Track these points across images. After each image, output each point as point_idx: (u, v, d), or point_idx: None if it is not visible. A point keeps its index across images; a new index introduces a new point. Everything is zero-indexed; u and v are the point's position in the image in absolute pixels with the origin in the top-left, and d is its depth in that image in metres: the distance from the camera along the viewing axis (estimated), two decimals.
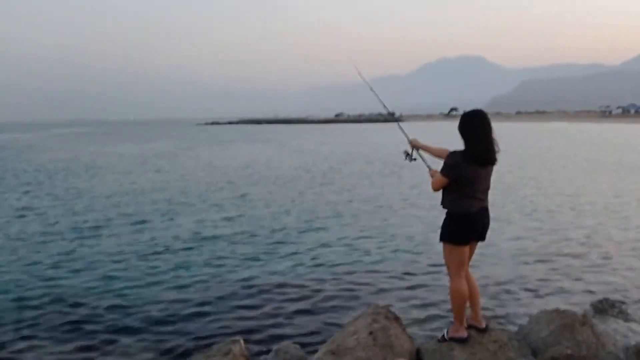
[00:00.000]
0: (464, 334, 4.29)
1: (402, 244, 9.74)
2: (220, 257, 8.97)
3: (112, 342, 5.65)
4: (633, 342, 4.91)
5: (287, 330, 5.87)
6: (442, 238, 4.25)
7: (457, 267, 4.22)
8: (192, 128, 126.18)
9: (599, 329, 4.77)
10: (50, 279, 7.80)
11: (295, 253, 9.23)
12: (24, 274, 8.00)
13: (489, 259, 8.44)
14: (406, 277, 7.77)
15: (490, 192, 4.30)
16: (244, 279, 7.73)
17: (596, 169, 23.11)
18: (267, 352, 5.00)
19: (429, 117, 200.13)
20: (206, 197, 16.01)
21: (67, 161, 30.82)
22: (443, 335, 4.36)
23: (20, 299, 6.94)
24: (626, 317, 5.97)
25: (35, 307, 6.64)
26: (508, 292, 7.06)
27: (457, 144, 4.20)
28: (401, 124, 5.34)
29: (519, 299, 6.79)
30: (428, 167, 4.54)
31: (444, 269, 4.51)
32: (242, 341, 4.70)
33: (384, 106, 5.74)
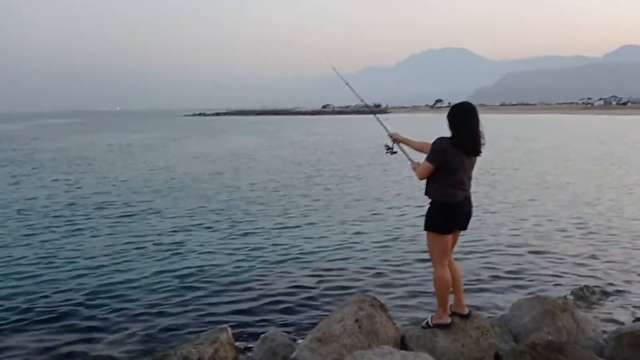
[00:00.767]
0: (447, 320, 4.37)
1: (387, 234, 9.82)
2: (207, 247, 8.98)
3: (99, 331, 5.66)
4: (612, 328, 5.04)
5: (274, 318, 5.93)
6: (427, 227, 4.31)
7: (440, 256, 4.29)
8: (179, 119, 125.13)
9: (579, 315, 4.88)
10: (37, 272, 7.75)
11: (282, 243, 9.26)
12: (8, 268, 7.93)
13: (471, 248, 8.55)
14: (391, 265, 7.85)
15: (473, 182, 4.37)
16: (231, 269, 7.76)
17: (577, 158, 23.41)
18: (255, 339, 5.04)
19: (415, 108, 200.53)
20: (193, 188, 15.96)
21: (53, 152, 30.44)
22: (427, 322, 4.43)
23: (4, 293, 6.89)
24: (606, 304, 6.12)
25: (24, 300, 6.61)
26: (490, 279, 7.18)
27: (442, 134, 4.26)
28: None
29: (501, 287, 6.91)
30: (410, 159, 4.58)
31: (428, 257, 4.58)
32: (229, 329, 4.73)
33: (361, 100, 5.79)
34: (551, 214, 11.55)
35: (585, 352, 4.01)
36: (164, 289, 6.92)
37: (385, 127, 4.96)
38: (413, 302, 6.37)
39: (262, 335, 4.91)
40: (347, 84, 5.59)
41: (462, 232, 4.48)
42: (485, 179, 16.52)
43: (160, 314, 6.09)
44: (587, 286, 6.46)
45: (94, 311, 6.22)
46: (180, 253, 8.65)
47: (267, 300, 6.50)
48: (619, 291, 6.67)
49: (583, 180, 16.80)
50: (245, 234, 9.87)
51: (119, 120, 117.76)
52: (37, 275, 7.52)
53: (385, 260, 8.12)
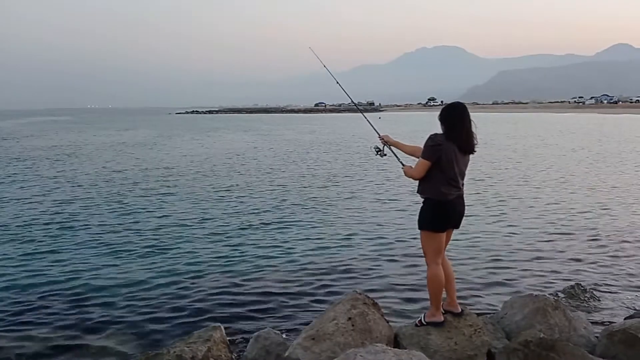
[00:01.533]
0: (440, 318, 4.38)
1: (381, 232, 9.83)
2: (199, 246, 8.95)
3: (91, 330, 5.63)
4: (604, 326, 5.08)
5: (268, 317, 5.92)
6: (421, 226, 4.31)
7: (434, 254, 4.30)
8: (171, 117, 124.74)
9: (571, 313, 4.92)
10: (29, 271, 7.69)
11: (275, 242, 9.25)
12: (2, 266, 7.88)
13: (465, 246, 8.59)
14: (384, 264, 7.87)
15: (466, 180, 4.39)
16: (224, 267, 7.74)
17: (568, 157, 23.55)
18: (248, 338, 5.03)
19: (408, 106, 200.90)
20: (185, 187, 15.90)
21: (46, 149, 30.21)
22: (420, 320, 4.44)
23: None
24: (597, 302, 6.16)
25: (18, 298, 6.57)
26: (483, 277, 7.21)
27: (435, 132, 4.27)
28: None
29: (493, 285, 6.94)
30: (401, 162, 4.56)
31: (421, 255, 4.59)
32: (222, 327, 4.72)
33: (351, 100, 5.77)
34: (543, 212, 11.61)
35: (577, 349, 4.04)
36: (157, 288, 6.89)
37: (375, 129, 4.95)
38: (406, 300, 6.38)
39: (255, 334, 4.90)
40: (337, 83, 5.57)
41: (454, 231, 4.49)
42: (478, 177, 16.58)
43: (154, 313, 6.07)
44: (578, 284, 6.49)
45: (87, 310, 6.18)
46: (173, 252, 8.61)
47: (261, 298, 6.49)
48: (610, 289, 6.72)
49: (575, 179, 16.90)
50: (239, 233, 9.85)
51: (110, 118, 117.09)
52: (30, 274, 7.46)
53: (378, 259, 8.13)
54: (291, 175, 18.27)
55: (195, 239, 9.43)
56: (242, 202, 13.14)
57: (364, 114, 5.37)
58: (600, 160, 22.29)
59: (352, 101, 5.81)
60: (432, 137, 4.17)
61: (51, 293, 6.73)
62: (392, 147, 4.78)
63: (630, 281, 7.02)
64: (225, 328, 4.82)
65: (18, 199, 13.58)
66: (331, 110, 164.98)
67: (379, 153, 4.78)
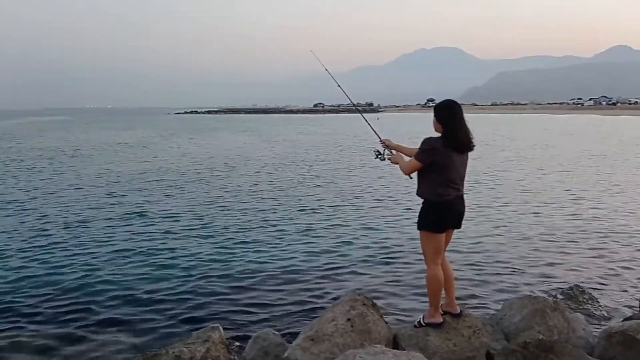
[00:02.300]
0: (439, 319, 4.38)
1: (380, 233, 9.83)
2: (198, 247, 8.94)
3: (90, 330, 5.62)
4: (602, 327, 5.08)
5: (266, 318, 5.91)
6: (420, 227, 4.32)
7: (433, 255, 4.30)
8: (170, 117, 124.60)
9: (570, 314, 4.92)
10: (28, 270, 7.68)
11: (274, 242, 9.24)
12: (3, 267, 7.87)
13: (464, 247, 8.58)
14: (383, 265, 7.86)
15: (466, 181, 4.39)
16: (223, 267, 7.73)
17: (569, 157, 23.56)
18: (246, 339, 5.02)
19: (407, 107, 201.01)
20: (185, 187, 15.89)
21: (45, 150, 30.15)
22: (419, 321, 4.45)
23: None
24: (596, 303, 6.16)
25: (15, 298, 6.55)
26: (482, 278, 7.20)
27: (434, 134, 4.28)
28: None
29: (492, 286, 6.93)
30: (393, 152, 4.55)
31: (420, 256, 4.59)
32: (221, 328, 4.72)
33: (352, 102, 5.77)
34: (542, 213, 11.61)
35: (575, 350, 4.04)
36: (156, 288, 6.87)
37: (376, 133, 4.94)
38: (405, 301, 6.38)
39: (254, 335, 4.90)
40: (339, 86, 5.55)
41: (455, 231, 4.49)
42: (477, 178, 16.59)
43: (152, 313, 6.06)
44: (577, 285, 6.49)
45: (84, 310, 6.16)
46: (171, 252, 8.60)
47: (259, 299, 6.49)
48: (608, 291, 6.72)
49: (575, 180, 16.91)
50: (237, 234, 9.83)
51: (109, 118, 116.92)
52: (29, 274, 7.45)
53: (377, 259, 8.12)
54: (290, 176, 18.27)
55: (195, 239, 9.42)
56: (240, 202, 13.13)
57: (365, 117, 5.35)
58: (600, 161, 22.30)
59: (352, 104, 5.80)
60: (427, 141, 4.19)
61: (48, 293, 6.71)
62: (392, 151, 4.79)
63: (629, 283, 7.02)
64: (224, 329, 4.81)
65: (16, 199, 13.56)
66: (330, 111, 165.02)
67: (378, 157, 4.79)
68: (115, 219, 11.04)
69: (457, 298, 4.73)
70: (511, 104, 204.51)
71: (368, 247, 8.86)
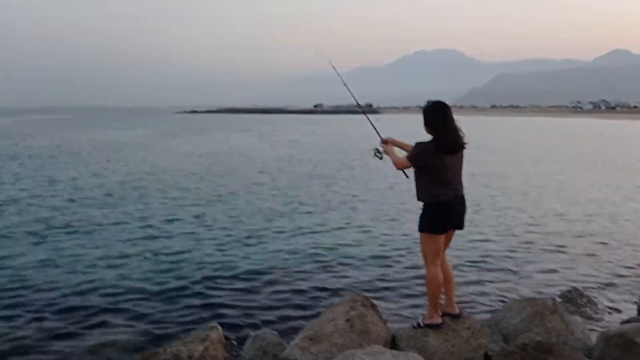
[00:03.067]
0: (438, 320, 4.38)
1: (380, 234, 9.83)
2: (197, 245, 8.94)
3: (88, 329, 5.62)
4: (600, 330, 5.09)
5: (265, 317, 5.91)
6: (421, 229, 4.32)
7: (433, 256, 4.31)
8: (170, 116, 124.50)
9: (569, 317, 4.93)
10: (26, 269, 7.67)
11: (274, 242, 9.25)
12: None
13: (463, 248, 8.59)
14: (382, 265, 7.87)
15: (467, 182, 4.39)
16: (222, 267, 7.73)
17: (567, 161, 23.59)
18: (245, 338, 5.03)
19: (406, 109, 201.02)
20: (184, 185, 15.90)
21: (45, 148, 30.12)
22: (418, 322, 4.45)
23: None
24: (594, 306, 6.17)
25: (12, 297, 6.56)
26: (481, 280, 7.21)
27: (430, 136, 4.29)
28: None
29: (491, 288, 6.94)
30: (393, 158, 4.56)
31: (420, 257, 4.59)
32: (219, 327, 4.72)
33: (357, 102, 5.75)
34: (541, 216, 11.63)
35: (574, 353, 4.05)
36: (154, 287, 6.87)
37: (377, 132, 4.94)
38: (404, 302, 6.39)
39: (252, 334, 4.90)
40: (344, 84, 5.53)
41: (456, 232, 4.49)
42: (477, 180, 16.58)
43: (151, 312, 6.05)
44: (576, 288, 6.50)
45: (83, 308, 6.16)
46: (170, 251, 8.59)
47: (258, 299, 6.49)
48: (607, 293, 6.73)
49: (574, 183, 16.93)
50: (236, 233, 9.84)
51: (109, 117, 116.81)
52: (27, 273, 7.44)
53: (376, 260, 8.13)
54: (289, 177, 18.26)
55: (193, 239, 9.40)
56: (239, 203, 13.13)
57: (368, 116, 5.34)
58: (600, 166, 22.33)
59: (358, 104, 5.78)
60: (418, 145, 4.23)
61: (47, 291, 6.70)
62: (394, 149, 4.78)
63: (627, 286, 7.03)
64: (222, 328, 4.81)
65: (17, 197, 13.55)
66: (329, 112, 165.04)
67: (377, 155, 4.80)
68: (113, 220, 11.01)
69: (456, 299, 4.73)
70: (511, 106, 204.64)
71: (368, 248, 8.86)
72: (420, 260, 4.99)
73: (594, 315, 5.94)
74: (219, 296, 6.58)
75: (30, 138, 39.74)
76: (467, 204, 4.42)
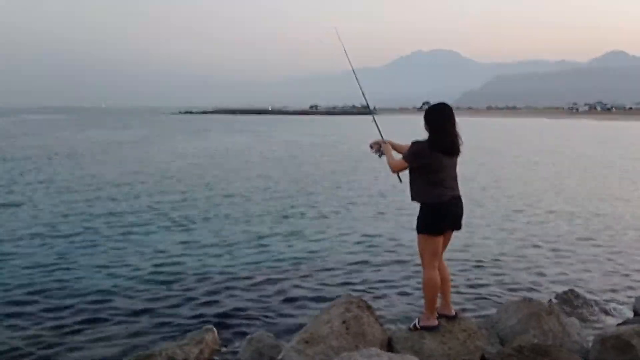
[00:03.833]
0: (434, 322, 4.37)
1: (376, 236, 9.82)
2: (193, 247, 8.91)
3: (83, 330, 5.58)
4: (597, 332, 5.08)
5: (261, 319, 5.88)
6: (419, 230, 4.30)
7: (430, 258, 4.29)
8: (166, 117, 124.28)
9: (565, 318, 4.92)
10: (19, 269, 7.64)
11: (269, 244, 9.22)
12: None
13: (460, 250, 8.58)
14: (378, 267, 7.85)
15: (463, 183, 4.38)
16: (217, 269, 7.70)
17: (568, 163, 23.66)
18: (241, 340, 5.00)
19: (402, 110, 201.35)
20: (178, 188, 15.85)
21: (43, 148, 30.00)
22: (414, 324, 4.43)
23: None
24: (591, 308, 6.17)
25: (5, 297, 6.52)
26: (477, 282, 7.21)
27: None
28: (376, 116, 5.34)
29: (488, 289, 6.94)
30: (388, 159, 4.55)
31: (416, 259, 4.58)
32: (215, 330, 4.70)
33: (367, 103, 5.70)
34: (538, 217, 11.64)
35: (570, 354, 4.04)
36: (150, 289, 6.84)
37: (380, 133, 4.92)
38: (400, 303, 6.37)
39: (248, 336, 4.88)
40: (357, 81, 5.42)
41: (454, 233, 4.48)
42: (475, 182, 16.60)
43: (146, 314, 6.02)
44: (572, 290, 6.50)
45: (79, 310, 6.13)
46: (166, 253, 8.56)
47: (254, 301, 6.46)
48: (604, 295, 6.73)
49: (571, 185, 16.96)
50: (232, 235, 9.81)
51: (104, 118, 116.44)
52: (19, 272, 7.40)
53: (372, 262, 8.11)
54: (286, 178, 18.24)
55: (188, 241, 9.37)
56: (235, 204, 13.10)
57: (374, 117, 5.28)
58: (597, 168, 22.39)
59: (367, 105, 5.71)
60: (415, 144, 4.22)
61: (42, 292, 6.67)
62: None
63: (624, 288, 7.04)
64: (218, 330, 4.79)
65: (15, 198, 13.49)
66: (325, 113, 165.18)
67: (377, 152, 4.79)
68: (111, 220, 10.96)
69: (453, 301, 4.71)
70: (507, 107, 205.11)
71: (364, 249, 8.85)
72: (416, 261, 4.99)
73: (590, 316, 5.94)
74: (214, 298, 6.55)
75: (29, 138, 39.57)
76: (465, 205, 4.41)
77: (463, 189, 4.41)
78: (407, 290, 6.80)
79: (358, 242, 9.33)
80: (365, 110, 6.56)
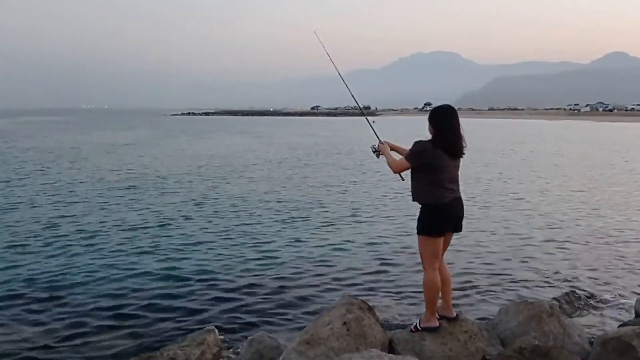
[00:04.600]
0: (435, 323, 4.37)
1: (376, 236, 9.83)
2: (194, 250, 8.92)
3: (84, 331, 5.59)
4: (598, 333, 5.08)
5: (262, 320, 5.90)
6: (419, 231, 4.30)
7: (431, 259, 4.29)
8: (167, 118, 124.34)
9: (566, 320, 4.91)
10: (21, 269, 7.65)
11: (270, 245, 9.23)
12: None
13: (460, 251, 8.58)
14: (379, 268, 7.86)
15: (468, 185, 4.38)
16: (219, 270, 7.72)
17: (568, 164, 23.62)
18: (242, 341, 5.01)
19: (403, 111, 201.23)
20: (180, 189, 15.87)
21: (45, 150, 30.05)
22: (415, 325, 4.43)
23: None
24: (591, 310, 6.17)
25: (6, 296, 6.53)
26: (478, 283, 7.21)
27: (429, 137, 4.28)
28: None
29: (488, 291, 6.94)
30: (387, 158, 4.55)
31: (417, 260, 4.58)
32: (216, 331, 4.70)
33: (357, 103, 5.72)
34: (538, 219, 11.63)
35: (571, 356, 4.03)
36: (151, 290, 6.86)
37: (376, 134, 4.93)
38: (401, 305, 6.37)
39: (249, 338, 4.89)
40: (343, 81, 5.51)
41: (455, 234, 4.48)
42: (475, 182, 16.58)
43: (147, 316, 6.03)
44: (573, 291, 6.51)
45: (80, 311, 6.14)
46: (167, 254, 8.58)
47: (255, 302, 6.47)
48: (604, 297, 6.73)
49: (573, 187, 16.94)
50: (233, 237, 9.82)
51: (105, 119, 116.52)
52: (22, 272, 7.42)
53: (373, 263, 8.12)
54: (287, 180, 18.25)
55: (189, 242, 9.39)
56: (236, 206, 13.10)
57: (367, 118, 5.32)
58: (598, 169, 22.36)
59: (358, 106, 5.75)
60: (417, 143, 4.22)
61: (41, 293, 6.68)
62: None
63: (624, 289, 7.04)
64: (219, 332, 4.80)
65: (17, 200, 13.50)
66: (327, 114, 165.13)
67: (375, 153, 4.80)
68: (108, 222, 10.99)
69: (454, 302, 4.71)
70: (508, 108, 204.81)
71: (364, 251, 8.85)
72: (417, 263, 4.98)
73: (591, 318, 5.94)
74: (216, 299, 6.57)
75: (30, 140, 39.60)
76: (465, 205, 4.41)
77: (463, 189, 4.42)
78: (408, 291, 6.80)
79: (359, 244, 9.33)
80: (366, 110, 6.58)
